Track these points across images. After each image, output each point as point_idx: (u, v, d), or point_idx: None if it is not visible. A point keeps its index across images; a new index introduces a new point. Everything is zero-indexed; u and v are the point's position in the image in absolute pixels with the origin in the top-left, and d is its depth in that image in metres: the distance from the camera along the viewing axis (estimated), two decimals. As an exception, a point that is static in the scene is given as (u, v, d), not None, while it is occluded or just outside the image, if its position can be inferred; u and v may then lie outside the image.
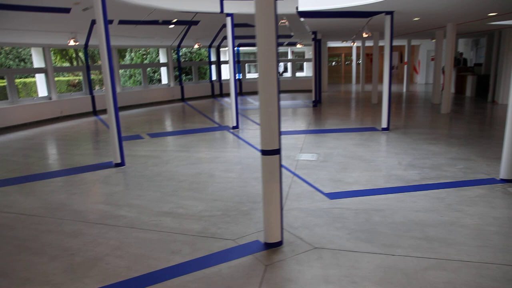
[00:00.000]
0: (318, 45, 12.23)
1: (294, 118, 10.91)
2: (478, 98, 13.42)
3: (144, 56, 18.78)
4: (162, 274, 3.01)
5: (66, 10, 8.54)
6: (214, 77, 17.11)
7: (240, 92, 17.33)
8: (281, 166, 3.32)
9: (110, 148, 7.26)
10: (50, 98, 11.44)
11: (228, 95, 16.77)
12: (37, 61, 11.55)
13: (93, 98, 12.52)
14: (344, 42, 19.01)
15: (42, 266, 3.14)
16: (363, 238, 3.55)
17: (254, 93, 17.30)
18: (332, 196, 4.59)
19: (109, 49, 5.66)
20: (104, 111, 12.65)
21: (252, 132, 8.63)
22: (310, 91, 17.65)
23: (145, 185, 5.13)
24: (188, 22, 11.47)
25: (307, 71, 18.57)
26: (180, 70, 15.63)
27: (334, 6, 6.97)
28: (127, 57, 19.17)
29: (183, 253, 3.31)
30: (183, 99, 15.64)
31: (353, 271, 3.02)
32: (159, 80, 18.21)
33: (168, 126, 10.32)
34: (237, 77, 17.36)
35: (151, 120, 11.09)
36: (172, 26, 11.76)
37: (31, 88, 17.06)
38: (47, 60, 11.31)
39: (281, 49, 21.35)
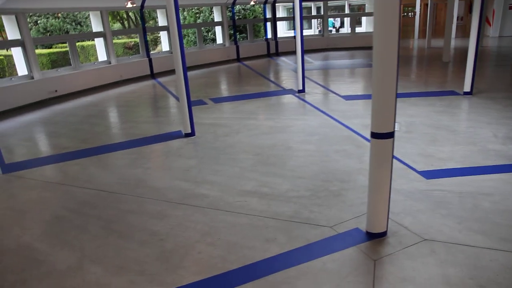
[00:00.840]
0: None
1: (359, 80, 10.15)
2: None
3: (197, 15, 18.27)
4: (261, 267, 2.78)
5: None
6: (269, 35, 16.35)
7: (276, 52, 16.43)
8: (393, 151, 2.88)
9: (176, 116, 7.15)
10: (110, 63, 11.45)
11: (284, 53, 16.04)
12: (95, 25, 11.49)
13: (150, 61, 12.42)
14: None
15: (132, 253, 3.03)
16: (476, 229, 3.09)
17: (314, 51, 16.35)
18: (427, 175, 4.11)
19: (177, 8, 5.26)
20: (161, 74, 12.57)
21: (320, 97, 8.10)
22: (370, 48, 16.44)
23: (220, 159, 4.91)
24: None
25: (367, 26, 17.14)
26: (235, 28, 15.04)
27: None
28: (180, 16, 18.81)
29: (279, 242, 3.06)
30: (238, 59, 15.16)
31: (476, 272, 2.62)
32: (213, 40, 17.76)
33: (230, 90, 10.01)
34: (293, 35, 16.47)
35: (210, 83, 10.83)
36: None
37: (89, 52, 17.34)
38: (105, 23, 11.21)
39: (338, 2, 19.92)
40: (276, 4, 16.13)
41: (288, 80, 10.38)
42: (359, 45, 16.42)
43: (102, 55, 11.65)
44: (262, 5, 16.18)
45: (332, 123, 6.11)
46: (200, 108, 7.72)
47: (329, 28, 22.12)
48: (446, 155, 4.61)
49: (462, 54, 12.83)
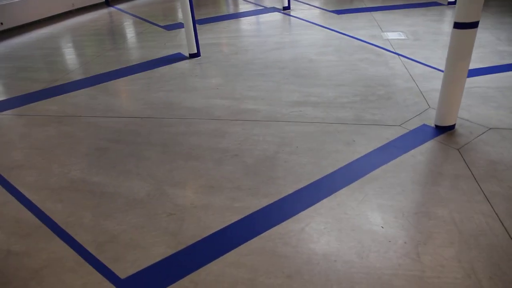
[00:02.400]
0: None
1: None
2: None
3: None
4: (360, 165, 2.78)
5: None
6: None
7: None
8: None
9: (166, 39, 6.58)
10: (58, -13, 9.98)
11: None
12: None
13: (103, -15, 11.01)
14: None
15: (215, 172, 2.86)
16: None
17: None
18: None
19: None
20: (118, 1, 11.30)
21: (309, 12, 7.81)
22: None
23: (246, 75, 4.66)
24: None
25: None
26: None
27: None
28: None
29: (360, 143, 3.06)
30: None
31: None
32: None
33: (208, 12, 9.25)
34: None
35: (178, 7, 9.95)
36: None
37: None
38: None
39: None
40: None
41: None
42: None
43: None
44: None
45: (338, 36, 5.98)
46: (183, 32, 7.12)
47: None
48: (466, 56, 4.75)
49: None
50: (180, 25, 7.57)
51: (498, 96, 3.70)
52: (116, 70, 5.32)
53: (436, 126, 3.21)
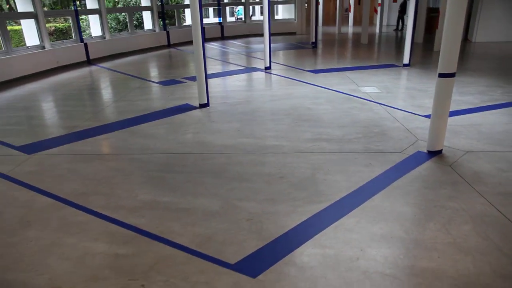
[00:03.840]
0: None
1: (312, 58, 11.30)
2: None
3: (116, 0, 17.30)
4: (382, 179, 3.55)
5: None
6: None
7: (222, 36, 17.05)
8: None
9: (167, 93, 7.27)
10: (44, 47, 10.49)
11: (210, 40, 16.43)
12: (23, 4, 10.34)
13: (86, 46, 11.67)
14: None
15: (269, 188, 3.47)
16: (492, 143, 4.36)
17: (236, 37, 17.14)
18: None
19: None
20: (98, 60, 11.94)
21: (290, 72, 8.96)
22: (288, 33, 17.95)
23: (259, 121, 5.42)
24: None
25: (283, 13, 18.56)
26: (164, 14, 14.88)
27: None
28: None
29: (376, 165, 3.86)
30: (169, 45, 15.07)
31: (506, 164, 3.82)
32: (136, 26, 17.10)
33: (191, 71, 10.17)
34: (218, 20, 16.98)
35: (168, 66, 10.81)
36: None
37: (11, 37, 15.06)
38: (36, 3, 10.19)
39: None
40: (201, -9, 16.36)
41: (241, 60, 11.01)
42: (278, 31, 17.75)
43: (32, 39, 10.54)
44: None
45: (323, 90, 7.05)
46: (181, 86, 7.92)
47: (239, 16, 23.12)
48: (430, 104, 5.91)
49: (371, 37, 15.09)
50: (174, 81, 8.33)
51: (464, 131, 4.76)
52: (133, 117, 5.84)
53: (428, 151, 4.12)
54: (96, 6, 12.41)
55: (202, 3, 14.75)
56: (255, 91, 7.21)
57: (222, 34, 17.13)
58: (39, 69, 10.11)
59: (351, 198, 3.26)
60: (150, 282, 2.37)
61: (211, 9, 22.78)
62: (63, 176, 3.98)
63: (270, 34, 8.92)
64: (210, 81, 8.18)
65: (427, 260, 2.46)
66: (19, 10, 10.15)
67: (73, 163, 4.29)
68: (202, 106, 6.19)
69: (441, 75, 3.83)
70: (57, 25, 14.45)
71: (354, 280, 2.31)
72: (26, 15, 10.20)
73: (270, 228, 2.88)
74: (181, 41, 15.59)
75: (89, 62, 11.77)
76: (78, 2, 11.69)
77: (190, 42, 15.68)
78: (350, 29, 20.91)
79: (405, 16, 18.15)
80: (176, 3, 18.60)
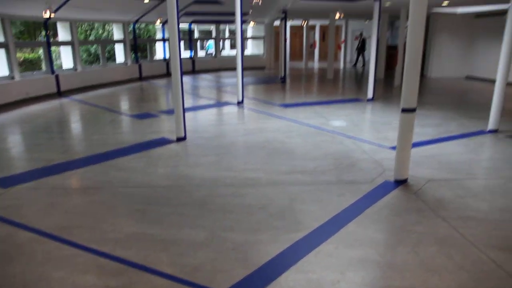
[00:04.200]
0: (285, 23, 13.20)
1: (281, 93, 11.79)
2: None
3: (88, 32, 17.37)
4: (356, 207, 3.84)
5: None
6: (167, 55, 16.86)
7: (193, 70, 17.43)
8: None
9: (142, 126, 7.40)
10: (13, 78, 10.37)
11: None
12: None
13: (57, 77, 11.62)
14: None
15: (251, 218, 3.66)
16: (450, 172, 4.82)
17: (207, 71, 17.59)
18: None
19: (177, 20, 5.86)
20: (69, 92, 11.90)
21: (260, 106, 9.34)
22: (257, 68, 18.63)
23: (236, 154, 5.66)
24: (165, -2, 11.33)
25: (252, 48, 19.32)
26: (136, 47, 15.12)
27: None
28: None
29: (348, 195, 4.16)
30: (141, 78, 15.23)
31: (463, 191, 4.24)
32: (108, 59, 17.17)
33: (169, 104, 10.34)
34: (189, 55, 17.40)
35: (140, 99, 10.92)
36: (147, 1, 11.49)
37: None
38: (7, 33, 10.13)
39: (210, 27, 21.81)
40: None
41: (214, 94, 11.34)
42: (248, 66, 18.38)
43: (0, 69, 10.39)
44: (154, 25, 16.62)
45: (295, 124, 7.43)
46: (156, 120, 8.07)
47: (210, 51, 23.74)
48: (393, 137, 6.40)
49: (336, 72, 15.97)
50: (148, 115, 8.47)
51: (425, 161, 5.21)
52: (110, 151, 5.91)
53: (395, 181, 4.49)
54: (68, 37, 12.47)
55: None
56: (229, 125, 7.47)
57: (194, 68, 17.53)
58: (8, 100, 9.95)
59: (328, 226, 3.50)
60: (144, 312, 2.46)
61: (181, 43, 23.35)
62: (43, 210, 3.98)
63: (243, 69, 9.33)
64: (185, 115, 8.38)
65: (400, 280, 2.71)
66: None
67: (53, 197, 4.30)
68: (179, 139, 6.35)
69: (404, 110, 4.26)
70: (26, 55, 14.29)
71: (336, 301, 2.52)
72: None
73: (255, 256, 3.05)
74: (153, 74, 15.80)
75: (60, 94, 11.68)
76: (45, 33, 11.71)
77: (161, 76, 16.07)
78: (315, 64, 21.98)
79: (365, 53, 19.47)
80: (148, 37, 18.93)
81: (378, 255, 3.03)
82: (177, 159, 5.51)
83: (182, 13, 14.42)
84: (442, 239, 3.25)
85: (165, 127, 7.39)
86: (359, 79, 15.11)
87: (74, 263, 3.03)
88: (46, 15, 9.64)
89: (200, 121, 7.98)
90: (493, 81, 6.71)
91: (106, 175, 4.92)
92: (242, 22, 8.94)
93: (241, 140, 6.32)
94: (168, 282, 2.76)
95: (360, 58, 19.53)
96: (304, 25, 18.37)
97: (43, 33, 16.33)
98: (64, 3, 10.12)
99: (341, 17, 11.47)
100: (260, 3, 11.21)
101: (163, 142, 6.34)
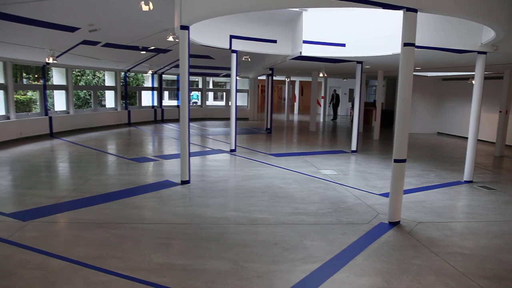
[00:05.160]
0: (271, 79, 14.23)
1: (269, 143, 12.48)
2: (383, 128, 17.21)
3: (78, 78, 17.84)
4: (358, 244, 4.32)
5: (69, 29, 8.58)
6: (155, 103, 17.46)
7: (162, 119, 17.84)
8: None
9: (143, 169, 7.73)
10: (9, 118, 10.59)
11: (168, 121, 17.30)
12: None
13: (50, 119, 11.90)
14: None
15: (271, 252, 4.09)
16: (436, 215, 5.42)
17: (193, 120, 18.21)
18: (387, 195, 6.37)
19: (188, 68, 6.48)
20: (61, 134, 12.13)
21: (253, 155, 9.91)
22: (241, 119, 19.46)
23: (239, 197, 6.09)
24: (163, 50, 12.16)
25: (237, 100, 20.41)
26: (126, 94, 15.68)
27: (327, 55, 8.99)
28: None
29: (349, 234, 4.65)
30: (129, 124, 15.63)
31: (449, 231, 4.82)
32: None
33: (163, 149, 10.72)
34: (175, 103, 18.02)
35: (134, 144, 11.26)
36: (143, 52, 12.24)
37: None
38: (8, 75, 10.52)
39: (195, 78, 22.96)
40: (163, 75, 17.63)
41: (206, 142, 11.87)
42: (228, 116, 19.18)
43: (-2, 110, 10.62)
44: (143, 74, 17.36)
45: (288, 171, 7.99)
46: (155, 163, 8.45)
47: (194, 100, 24.59)
48: (382, 185, 7.08)
49: (317, 126, 16.97)
50: (147, 159, 8.84)
51: (413, 206, 5.82)
52: (119, 190, 6.21)
53: (389, 222, 5.04)
54: (62, 81, 12.91)
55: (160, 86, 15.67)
56: (228, 171, 7.95)
57: (162, 116, 18.10)
58: (2, 139, 10.09)
59: (338, 259, 3.95)
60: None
61: (166, 93, 24.13)
62: (70, 241, 4.23)
63: (236, 119, 9.98)
64: (177, 160, 8.79)
65: (409, 302, 3.17)
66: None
67: (75, 230, 4.55)
68: (184, 182, 6.73)
69: (396, 161, 4.92)
70: (18, 96, 14.48)
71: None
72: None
73: (279, 283, 3.44)
74: (141, 121, 16.28)
75: (51, 135, 11.90)
76: (43, 77, 12.11)
77: (148, 122, 16.56)
78: (295, 117, 23.14)
79: (338, 108, 21.00)
80: (137, 85, 19.59)
81: (386, 282, 3.49)
82: (186, 200, 5.88)
83: (174, 65, 15.30)
84: (437, 270, 3.75)
85: (165, 170, 7.77)
86: (339, 132, 16.13)
87: (114, 287, 3.30)
88: (50, 60, 10.15)
89: (199, 166, 8.41)
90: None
91: (122, 212, 5.21)
92: (233, 76, 9.75)
93: (242, 185, 6.78)
94: (207, 303, 3.09)
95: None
96: (287, 81, 19.62)
97: (31, 76, 16.70)
98: (66, 51, 10.70)
99: (324, 75, 12.57)
100: (249, 59, 12.15)
101: (168, 184, 6.70)
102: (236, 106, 9.96)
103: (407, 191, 6.58)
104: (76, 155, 9.15)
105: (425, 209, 5.70)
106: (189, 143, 6.73)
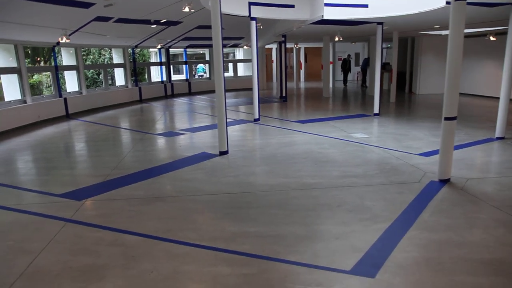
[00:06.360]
0: (285, 47, 13.98)
1: (289, 111, 12.40)
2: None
3: (84, 57, 17.44)
4: (419, 201, 4.39)
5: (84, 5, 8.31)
6: (164, 78, 17.23)
7: (189, 92, 17.85)
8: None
9: (175, 143, 7.71)
10: (25, 102, 10.45)
11: (178, 95, 17.15)
12: (3, 60, 10.31)
13: (65, 100, 11.76)
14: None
15: (336, 214, 4.15)
16: (481, 172, 5.56)
17: (202, 92, 18.06)
18: (425, 154, 6.43)
19: (221, 39, 6.34)
20: (77, 114, 12.04)
21: (277, 123, 9.89)
22: (250, 89, 19.24)
23: (283, 164, 6.10)
24: (174, 22, 11.86)
25: (245, 71, 20.14)
26: (135, 71, 15.43)
27: (349, 17, 8.78)
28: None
29: (407, 193, 4.71)
30: (141, 100, 15.49)
31: (499, 186, 4.89)
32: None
33: (189, 122, 10.66)
34: (185, 77, 17.85)
35: (151, 119, 11.20)
36: (154, 26, 11.94)
37: None
38: (20, 59, 10.28)
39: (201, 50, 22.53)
40: (170, 49, 17.30)
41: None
42: (241, 87, 19.04)
43: (13, 94, 10.46)
44: (149, 50, 17.02)
45: (320, 137, 7.99)
46: (183, 137, 8.44)
47: (201, 73, 24.27)
48: (417, 145, 7.10)
49: (328, 91, 16.85)
50: (173, 133, 8.81)
51: (455, 164, 5.78)
52: (160, 165, 6.22)
53: (440, 180, 5.10)
54: (72, 62, 12.67)
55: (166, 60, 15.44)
56: (261, 140, 7.94)
57: (190, 90, 17.95)
58: (21, 124, 10.01)
59: (404, 217, 4.02)
60: (295, 288, 2.86)
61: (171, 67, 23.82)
62: (134, 217, 4.26)
63: (258, 88, 9.89)
64: (208, 132, 8.80)
65: (488, 253, 3.25)
66: (1, 66, 10.11)
67: (135, 206, 4.58)
68: (222, 153, 6.74)
69: (446, 119, 4.91)
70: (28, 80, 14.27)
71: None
72: (10, 70, 10.19)
73: (358, 243, 3.51)
74: (152, 97, 16.11)
75: (67, 116, 11.79)
76: (54, 58, 11.87)
77: (159, 98, 16.41)
78: (302, 84, 22.93)
79: (349, 73, 20.81)
80: (143, 61, 19.25)
81: (460, 236, 3.57)
82: (231, 170, 5.90)
83: (182, 38, 14.97)
84: (505, 222, 3.83)
85: (198, 143, 7.76)
86: (353, 97, 16.04)
87: (198, 258, 3.35)
88: (62, 40, 9.92)
89: (230, 137, 8.36)
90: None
91: (173, 185, 5.24)
92: (253, 45, 9.57)
93: (281, 152, 6.79)
94: (295, 267, 3.15)
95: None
96: (295, 48, 19.29)
97: (41, 58, 16.36)
98: (78, 30, 10.43)
99: (340, 39, 12.34)
100: (261, 27, 11.89)
101: (207, 156, 6.71)
102: (258, 75, 9.85)
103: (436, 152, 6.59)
104: (101, 134, 9.10)
105: (468, 166, 5.75)
106: (226, 114, 6.68)
